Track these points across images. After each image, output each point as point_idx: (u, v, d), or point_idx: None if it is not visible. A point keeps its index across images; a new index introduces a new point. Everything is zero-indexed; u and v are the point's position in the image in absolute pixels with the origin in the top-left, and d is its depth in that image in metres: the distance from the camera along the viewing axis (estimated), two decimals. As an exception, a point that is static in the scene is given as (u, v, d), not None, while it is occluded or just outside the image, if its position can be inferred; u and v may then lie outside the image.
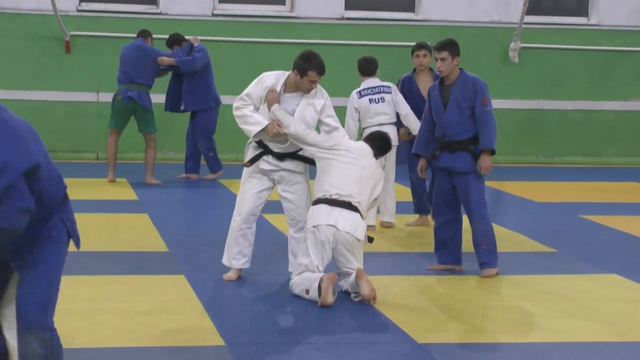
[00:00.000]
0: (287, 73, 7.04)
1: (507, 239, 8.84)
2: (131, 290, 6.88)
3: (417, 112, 9.16)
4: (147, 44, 11.90)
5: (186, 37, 12.18)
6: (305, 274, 6.74)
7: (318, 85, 7.07)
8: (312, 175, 7.14)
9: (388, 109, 9.28)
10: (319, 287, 6.56)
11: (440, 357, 5.64)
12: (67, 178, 4.46)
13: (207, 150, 12.19)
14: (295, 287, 6.80)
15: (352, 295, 6.74)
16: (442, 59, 7.46)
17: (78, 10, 13.93)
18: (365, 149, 7.08)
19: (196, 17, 14.11)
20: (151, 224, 9.27)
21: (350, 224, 6.75)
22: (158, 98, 12.10)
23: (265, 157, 7.07)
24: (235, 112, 7.06)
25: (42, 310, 4.21)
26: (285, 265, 7.32)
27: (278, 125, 6.88)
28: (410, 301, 6.85)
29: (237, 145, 12.42)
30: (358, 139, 7.79)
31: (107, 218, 9.52)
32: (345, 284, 6.81)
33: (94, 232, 8.60)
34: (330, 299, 6.53)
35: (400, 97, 9.30)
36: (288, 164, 7.08)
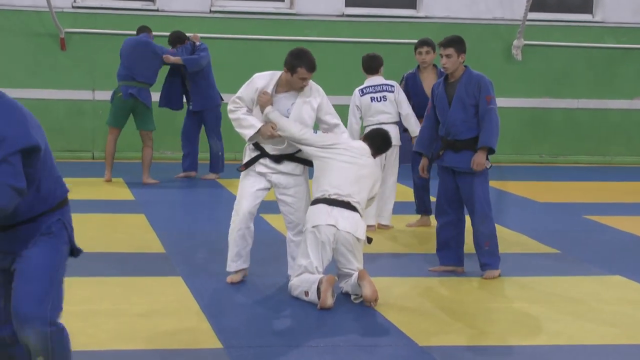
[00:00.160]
0: (279, 73, 6.95)
1: (509, 240, 8.80)
2: (127, 292, 6.83)
3: (421, 110, 9.07)
4: (152, 40, 11.81)
5: (186, 34, 12.13)
6: (304, 276, 6.67)
7: (313, 83, 6.99)
8: (311, 175, 7.08)
9: (390, 108, 9.20)
10: (318, 289, 6.48)
11: (442, 360, 5.60)
12: (62, 177, 4.37)
13: (218, 149, 12.16)
14: (294, 289, 6.72)
15: (353, 297, 6.69)
16: (448, 56, 7.37)
17: (73, 7, 13.86)
18: (364, 148, 7.01)
19: (193, 13, 14.04)
20: (148, 225, 9.22)
21: (350, 223, 6.68)
22: (154, 97, 12.00)
23: (262, 160, 6.99)
24: (229, 115, 7.03)
25: (36, 302, 4.11)
26: (284, 266, 7.26)
27: (272, 127, 6.79)
28: (412, 303, 6.80)
29: (236, 145, 12.33)
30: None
31: (103, 218, 9.47)
32: (346, 285, 6.75)
33: (90, 232, 8.54)
34: (329, 301, 6.47)
35: (402, 97, 9.22)
36: (285, 167, 6.99)
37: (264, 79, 6.94)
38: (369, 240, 6.93)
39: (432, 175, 8.45)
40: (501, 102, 7.50)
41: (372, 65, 9.34)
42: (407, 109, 9.21)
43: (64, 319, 4.29)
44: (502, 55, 14.73)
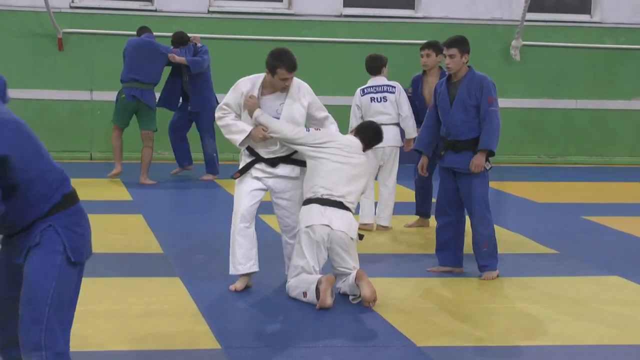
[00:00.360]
0: (262, 75, 6.90)
1: (508, 241, 8.79)
2: (125, 293, 6.81)
3: (417, 114, 9.09)
4: (155, 40, 11.82)
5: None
6: (302, 276, 6.65)
7: (301, 81, 6.94)
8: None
9: (390, 109, 9.19)
10: (317, 289, 6.47)
11: (440, 361, 5.59)
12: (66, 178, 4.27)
13: (212, 151, 12.15)
14: (292, 290, 6.70)
15: (351, 298, 6.66)
16: (451, 56, 7.35)
17: (71, 7, 13.83)
18: (355, 144, 6.96)
19: (192, 14, 14.02)
20: (146, 225, 9.21)
21: (344, 223, 6.67)
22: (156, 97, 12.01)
23: (257, 165, 6.91)
24: (218, 122, 6.98)
25: (25, 327, 3.90)
26: (282, 267, 7.23)
27: (263, 130, 6.75)
28: (410, 304, 6.78)
29: (233, 145, 12.32)
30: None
31: (101, 219, 9.40)
32: (344, 285, 6.72)
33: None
34: (329, 301, 6.46)
35: (403, 98, 9.20)
36: (282, 170, 6.92)
37: (249, 83, 6.89)
38: (360, 237, 6.90)
39: (435, 177, 8.43)
40: (500, 102, 7.47)
41: (373, 65, 9.34)
42: (406, 111, 9.19)
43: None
44: (500, 56, 14.71)
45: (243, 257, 6.85)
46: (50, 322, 3.94)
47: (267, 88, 6.87)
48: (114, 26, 13.68)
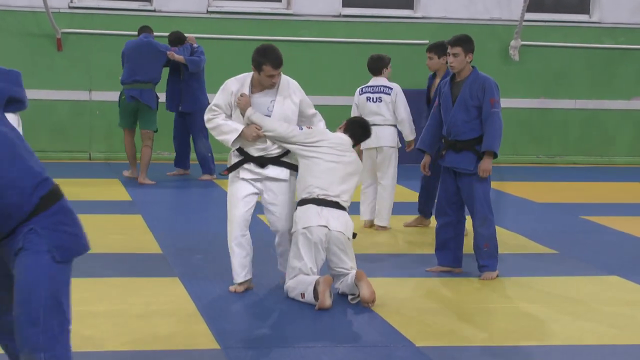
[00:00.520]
0: (250, 73, 6.84)
1: (507, 241, 8.78)
2: (124, 293, 6.80)
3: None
4: (153, 39, 11.84)
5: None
6: (300, 277, 6.64)
7: (290, 78, 6.89)
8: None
9: (384, 111, 9.19)
10: (315, 290, 6.46)
11: (439, 361, 5.58)
12: (58, 178, 4.27)
13: (207, 151, 12.15)
14: (290, 291, 6.69)
15: (350, 297, 6.65)
16: (455, 55, 7.33)
17: (70, 7, 13.83)
18: (345, 141, 6.92)
19: (190, 14, 14.01)
20: (145, 225, 9.19)
21: (341, 223, 6.67)
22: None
23: (246, 165, 6.84)
24: (207, 125, 6.92)
25: (21, 329, 3.89)
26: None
27: (256, 128, 6.72)
28: (409, 304, 6.78)
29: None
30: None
31: (100, 219, 9.41)
32: (342, 285, 6.71)
33: (86, 233, 8.48)
34: (328, 302, 6.45)
35: (400, 100, 9.18)
36: (271, 171, 6.85)
37: (237, 82, 6.84)
38: (354, 235, 6.87)
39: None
40: (499, 103, 7.47)
41: (374, 66, 9.35)
42: (402, 114, 9.18)
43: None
44: (499, 56, 14.71)
45: (239, 266, 6.87)
46: (47, 323, 3.92)
47: (256, 86, 6.83)
48: (113, 26, 13.68)
